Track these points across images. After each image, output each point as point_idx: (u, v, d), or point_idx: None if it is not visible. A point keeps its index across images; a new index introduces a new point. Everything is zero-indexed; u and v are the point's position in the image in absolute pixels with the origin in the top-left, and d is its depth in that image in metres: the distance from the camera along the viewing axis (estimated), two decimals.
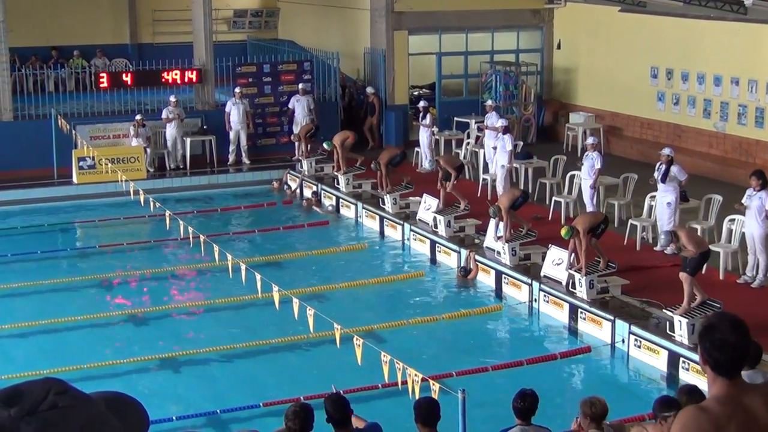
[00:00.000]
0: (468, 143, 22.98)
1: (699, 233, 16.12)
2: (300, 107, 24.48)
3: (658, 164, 16.64)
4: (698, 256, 13.06)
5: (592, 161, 17.76)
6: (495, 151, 20.82)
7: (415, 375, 9.36)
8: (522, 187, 19.50)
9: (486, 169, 20.88)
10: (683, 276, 13.00)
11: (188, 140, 23.95)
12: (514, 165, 21.11)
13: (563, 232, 14.54)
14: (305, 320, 11.42)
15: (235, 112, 24.02)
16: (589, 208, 17.50)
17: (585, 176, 17.98)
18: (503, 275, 16.14)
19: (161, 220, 17.20)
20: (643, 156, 22.68)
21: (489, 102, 22.41)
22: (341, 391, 8.56)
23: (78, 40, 30.40)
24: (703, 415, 3.91)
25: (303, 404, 7.65)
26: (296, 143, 23.65)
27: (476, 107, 25.75)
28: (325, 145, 22.12)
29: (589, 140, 18.64)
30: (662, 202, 16.46)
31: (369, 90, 26.03)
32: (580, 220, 14.90)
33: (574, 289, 14.69)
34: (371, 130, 25.79)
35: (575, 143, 24.21)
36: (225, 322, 15.38)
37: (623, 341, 13.57)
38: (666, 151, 16.67)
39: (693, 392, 7.76)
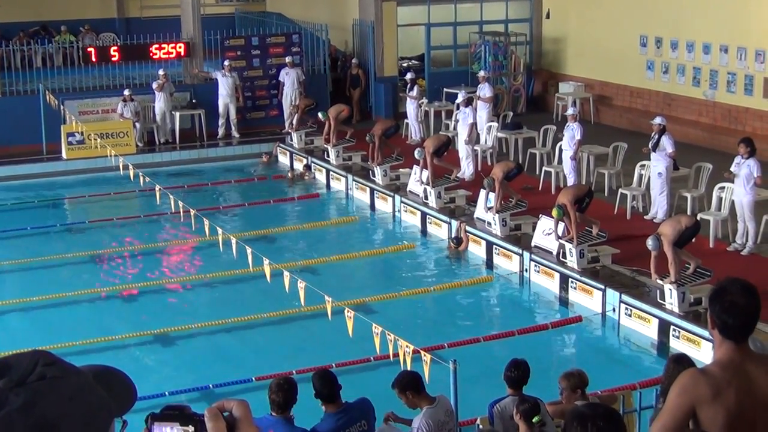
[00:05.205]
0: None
1: (689, 201, 16.16)
2: (289, 80, 24.39)
3: (652, 133, 16.61)
4: (686, 230, 12.96)
5: (572, 132, 17.69)
6: (486, 121, 20.85)
7: (407, 346, 9.35)
8: (512, 158, 19.48)
9: (478, 140, 20.83)
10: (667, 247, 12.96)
11: (177, 114, 23.85)
12: (504, 135, 21.11)
13: (554, 213, 14.46)
14: (296, 293, 11.41)
15: (223, 85, 23.91)
16: (572, 180, 17.48)
17: (566, 147, 17.92)
18: (494, 246, 16.15)
19: (151, 194, 17.16)
20: (633, 125, 22.68)
21: (482, 73, 22.33)
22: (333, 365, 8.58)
23: (65, 15, 30.19)
24: (702, 378, 3.92)
25: (287, 378, 7.62)
26: (293, 114, 23.32)
27: (466, 78, 25.68)
28: (320, 115, 21.94)
29: (570, 111, 18.59)
30: (654, 171, 16.45)
31: (353, 62, 25.94)
32: (563, 194, 14.78)
33: (565, 258, 14.71)
34: (359, 103, 25.70)
35: (565, 113, 24.15)
36: (216, 296, 15.38)
37: (614, 310, 13.60)
38: (657, 120, 16.63)
39: (681, 360, 7.78)
